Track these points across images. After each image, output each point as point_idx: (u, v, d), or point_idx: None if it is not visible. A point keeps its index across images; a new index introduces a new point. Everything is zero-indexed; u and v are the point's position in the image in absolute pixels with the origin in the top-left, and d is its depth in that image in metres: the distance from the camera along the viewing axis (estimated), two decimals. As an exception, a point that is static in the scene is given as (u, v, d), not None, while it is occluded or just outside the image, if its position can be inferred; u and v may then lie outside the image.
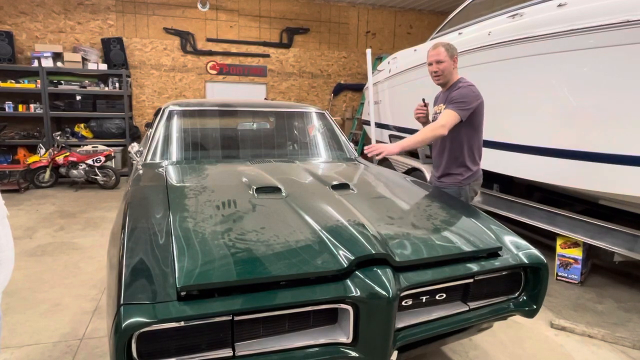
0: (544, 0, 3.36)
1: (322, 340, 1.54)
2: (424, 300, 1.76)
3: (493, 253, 1.90)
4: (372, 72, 7.01)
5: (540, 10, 3.36)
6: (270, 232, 1.76)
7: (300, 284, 1.51)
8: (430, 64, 2.77)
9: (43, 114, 7.48)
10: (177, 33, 8.54)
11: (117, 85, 7.89)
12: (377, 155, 2.58)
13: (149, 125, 5.57)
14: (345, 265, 1.54)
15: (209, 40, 8.77)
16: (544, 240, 4.05)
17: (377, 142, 7.01)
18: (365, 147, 2.68)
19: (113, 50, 7.83)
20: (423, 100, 3.01)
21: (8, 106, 7.36)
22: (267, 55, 9.18)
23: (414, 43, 6.35)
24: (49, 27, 7.92)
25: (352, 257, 1.56)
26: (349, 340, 1.54)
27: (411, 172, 4.94)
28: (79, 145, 7.36)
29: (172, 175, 2.58)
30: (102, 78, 7.96)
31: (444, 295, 1.80)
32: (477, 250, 1.85)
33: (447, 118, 2.59)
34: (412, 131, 4.76)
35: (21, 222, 4.89)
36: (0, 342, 1.23)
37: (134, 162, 3.20)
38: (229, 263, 1.51)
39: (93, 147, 7.26)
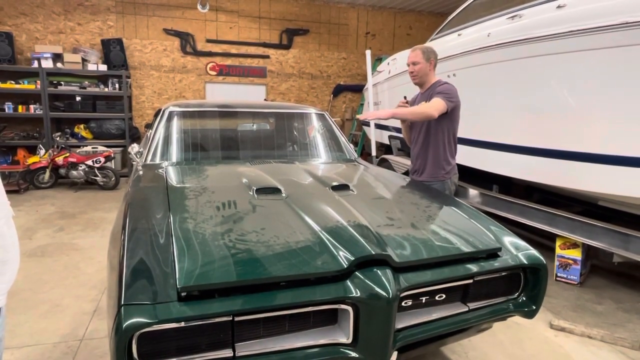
0: (543, 2, 3.37)
1: (322, 341, 1.54)
2: (423, 301, 1.76)
3: (492, 254, 1.90)
4: (372, 73, 7.02)
5: (539, 11, 3.36)
6: (271, 233, 1.76)
7: (300, 285, 1.51)
8: (408, 65, 3.01)
9: (43, 115, 7.48)
10: (176, 34, 8.55)
11: (117, 86, 7.90)
12: (370, 119, 2.88)
13: (148, 126, 5.57)
14: (345, 266, 1.55)
15: (208, 41, 8.78)
16: (543, 241, 4.05)
17: (377, 142, 7.02)
18: (359, 116, 3.00)
19: (113, 51, 7.83)
20: (405, 97, 3.19)
21: (8, 107, 7.37)
22: (267, 56, 9.19)
23: (414, 44, 6.34)
24: (49, 28, 7.93)
25: (352, 258, 1.57)
26: (349, 341, 1.54)
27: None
28: (78, 146, 7.37)
29: (172, 176, 2.59)
30: (102, 79, 7.96)
31: (444, 296, 1.81)
32: (477, 251, 1.85)
33: (437, 104, 2.78)
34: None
35: (21, 222, 4.89)
36: (3, 343, 1.23)
37: (134, 163, 3.20)
38: (230, 264, 1.51)
39: (93, 148, 7.27)
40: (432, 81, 2.97)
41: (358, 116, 3.02)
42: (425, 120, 2.88)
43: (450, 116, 2.89)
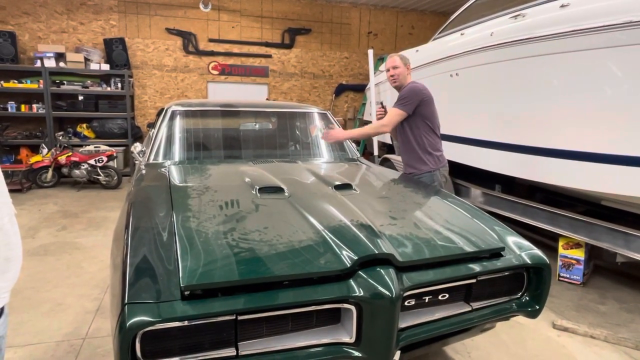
0: (546, 1, 3.36)
1: (325, 340, 1.54)
2: (426, 301, 1.76)
3: (496, 253, 1.90)
4: (374, 73, 7.02)
5: (542, 10, 3.35)
6: (274, 232, 1.76)
7: (303, 284, 1.51)
8: (388, 70, 3.22)
9: (45, 114, 7.50)
10: (179, 33, 8.56)
11: (119, 85, 7.91)
12: (329, 139, 3.24)
13: (151, 125, 5.58)
14: (349, 265, 1.54)
15: (210, 40, 8.79)
16: (546, 241, 4.05)
17: (379, 142, 7.02)
18: (323, 134, 3.33)
19: (115, 51, 7.84)
20: (381, 103, 3.46)
21: (11, 106, 7.39)
22: (269, 56, 9.19)
23: (416, 43, 6.36)
24: (52, 28, 7.95)
25: (355, 257, 1.56)
26: (352, 340, 1.54)
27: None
28: (81, 146, 7.38)
29: (175, 175, 2.59)
30: (105, 78, 7.98)
31: (447, 296, 1.80)
32: (480, 251, 1.85)
33: (390, 116, 3.11)
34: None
35: (24, 221, 4.90)
36: (5, 341, 1.23)
37: (136, 162, 3.20)
38: (232, 263, 1.51)
39: (95, 147, 7.28)
40: (406, 83, 3.17)
41: (322, 137, 3.36)
42: (397, 124, 3.15)
43: (418, 113, 3.08)
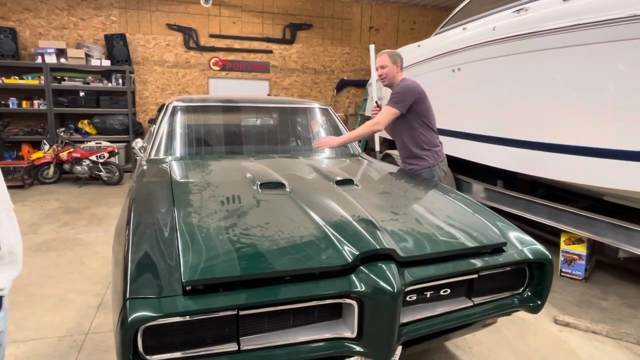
0: (549, -5, 3.34)
1: (326, 335, 1.54)
2: (428, 296, 1.76)
3: (497, 248, 1.89)
4: (375, 68, 6.99)
5: (545, 4, 3.33)
6: (275, 228, 1.76)
7: (304, 279, 1.51)
8: (377, 69, 3.24)
9: (47, 110, 7.51)
10: (180, 29, 8.54)
11: (120, 81, 7.90)
12: (321, 146, 3.23)
13: (152, 121, 5.58)
14: (350, 261, 1.54)
15: (211, 36, 8.76)
16: (548, 237, 4.04)
17: (380, 138, 6.99)
18: (315, 140, 3.32)
19: (116, 47, 7.83)
20: (376, 102, 3.49)
21: (12, 102, 7.39)
22: (270, 51, 9.17)
23: (418, 39, 6.33)
24: (53, 24, 7.94)
25: (357, 253, 1.56)
26: (354, 335, 1.54)
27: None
28: (82, 142, 7.39)
29: (176, 171, 2.59)
30: (106, 74, 7.97)
31: (448, 291, 1.80)
32: (482, 246, 1.84)
33: (383, 114, 3.08)
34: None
35: (26, 217, 4.91)
36: (6, 336, 1.24)
37: (138, 158, 3.20)
38: (234, 258, 1.51)
39: (96, 143, 7.29)
40: (398, 81, 3.15)
41: (314, 144, 3.32)
42: (391, 123, 3.12)
43: (413, 111, 3.06)
